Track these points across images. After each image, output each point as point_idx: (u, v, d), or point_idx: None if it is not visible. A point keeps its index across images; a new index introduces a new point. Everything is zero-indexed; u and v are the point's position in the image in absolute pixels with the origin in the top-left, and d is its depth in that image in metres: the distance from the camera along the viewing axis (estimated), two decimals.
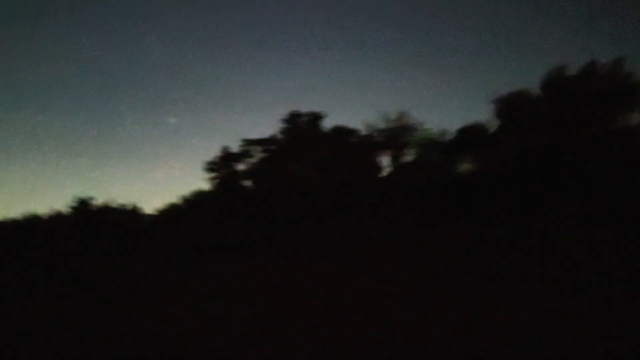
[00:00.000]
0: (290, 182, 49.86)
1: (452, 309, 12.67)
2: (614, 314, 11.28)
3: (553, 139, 38.57)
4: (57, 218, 66.48)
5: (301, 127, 52.64)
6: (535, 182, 35.62)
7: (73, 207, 63.15)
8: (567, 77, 42.53)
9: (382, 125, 47.79)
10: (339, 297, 15.97)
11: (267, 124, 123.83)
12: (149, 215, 66.11)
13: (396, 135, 47.52)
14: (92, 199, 62.81)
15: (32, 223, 67.78)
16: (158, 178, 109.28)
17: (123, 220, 62.31)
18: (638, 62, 66.11)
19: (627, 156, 32.86)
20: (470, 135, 44.87)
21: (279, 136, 53.35)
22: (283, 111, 62.87)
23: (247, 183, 55.64)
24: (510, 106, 43.62)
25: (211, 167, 55.99)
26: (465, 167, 45.42)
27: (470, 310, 12.33)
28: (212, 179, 56.14)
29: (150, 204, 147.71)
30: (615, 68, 40.50)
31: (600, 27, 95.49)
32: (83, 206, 62.16)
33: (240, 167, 55.70)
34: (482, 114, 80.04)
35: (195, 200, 59.52)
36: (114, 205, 63.21)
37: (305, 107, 62.23)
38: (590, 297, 13.42)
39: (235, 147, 55.36)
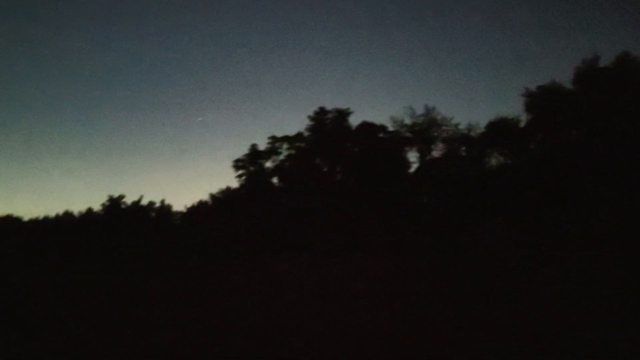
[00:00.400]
0: (318, 179, 49.99)
1: (488, 306, 12.65)
2: None
3: (586, 132, 37.85)
4: (89, 216, 68.09)
5: (328, 124, 52.74)
6: (568, 175, 35.00)
7: (105, 206, 64.55)
8: (600, 69, 41.70)
9: (409, 120, 47.61)
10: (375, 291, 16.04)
11: (294, 122, 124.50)
12: (179, 213, 67.14)
13: (424, 130, 47.22)
14: (123, 197, 64.07)
15: (66, 221, 69.56)
16: (187, 176, 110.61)
17: (153, 217, 63.49)
18: None
19: None
20: (500, 129, 44.32)
21: (306, 133, 53.57)
22: (310, 108, 62.94)
23: (275, 180, 56.04)
24: (541, 100, 42.99)
25: (239, 164, 56.50)
26: (495, 161, 44.92)
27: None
28: (240, 176, 56.65)
29: (180, 201, 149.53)
30: None
31: (633, 16, 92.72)
32: (114, 204, 63.47)
33: (268, 164, 56.12)
34: (512, 108, 78.97)
35: (224, 198, 60.19)
36: (145, 203, 64.36)
37: (332, 104, 62.27)
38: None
39: (262, 144, 55.81)
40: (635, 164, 32.31)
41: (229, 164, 57.26)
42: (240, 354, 8.73)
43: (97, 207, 66.78)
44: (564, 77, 42.95)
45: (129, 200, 63.71)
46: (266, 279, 21.51)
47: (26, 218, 73.41)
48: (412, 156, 48.30)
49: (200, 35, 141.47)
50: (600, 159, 35.02)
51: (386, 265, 24.58)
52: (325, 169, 52.93)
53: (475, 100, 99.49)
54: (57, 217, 72.11)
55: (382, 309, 11.97)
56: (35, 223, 72.28)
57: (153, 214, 64.99)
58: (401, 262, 25.41)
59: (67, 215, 71.35)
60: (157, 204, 65.79)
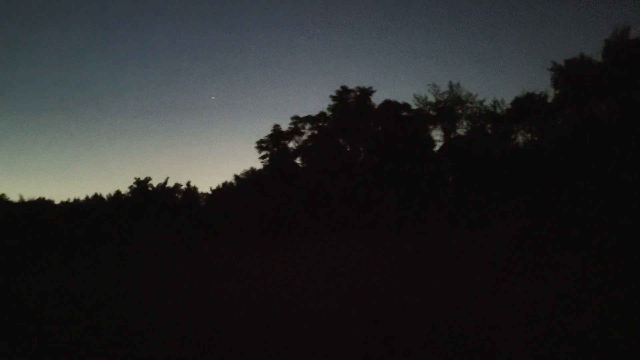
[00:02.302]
0: (341, 159, 49.97)
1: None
2: None
3: (617, 106, 36.89)
4: (117, 199, 69.45)
5: (351, 103, 52.45)
6: (598, 152, 34.28)
7: (132, 188, 65.74)
8: (631, 41, 40.37)
9: (433, 98, 47.03)
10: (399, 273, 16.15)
11: (316, 101, 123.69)
12: (205, 194, 68.07)
13: (448, 108, 46.60)
14: (149, 179, 65.05)
15: (96, 204, 71.12)
16: (212, 158, 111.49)
17: (180, 199, 64.53)
18: None
19: None
20: (526, 105, 43.49)
21: (329, 113, 53.38)
22: (332, 88, 62.63)
23: (298, 160, 56.21)
24: (569, 74, 41.93)
25: (262, 145, 56.75)
26: (522, 138, 44.22)
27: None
28: (264, 157, 56.97)
29: (205, 183, 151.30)
30: None
31: None
32: (141, 187, 64.55)
33: (291, 145, 56.25)
34: (539, 83, 77.10)
35: (248, 179, 60.68)
36: (171, 185, 65.32)
37: (354, 83, 61.69)
38: None
39: (285, 125, 55.89)
40: None
41: (252, 145, 57.55)
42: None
43: (124, 190, 68.11)
44: (593, 50, 41.51)
45: (155, 182, 64.80)
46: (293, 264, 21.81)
47: (57, 201, 75.28)
48: (437, 134, 47.93)
49: (219, 16, 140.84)
50: (631, 134, 34.20)
51: (413, 245, 24.68)
52: (348, 149, 52.86)
53: (501, 75, 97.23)
54: (87, 199, 73.80)
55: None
56: (66, 206, 74.17)
57: (179, 196, 66.04)
58: (425, 242, 25.47)
59: (97, 198, 72.92)
60: (183, 186, 66.85)
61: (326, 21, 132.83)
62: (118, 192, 70.20)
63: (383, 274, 15.59)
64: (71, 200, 76.60)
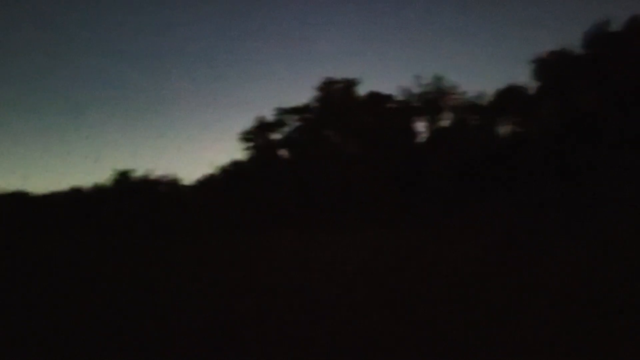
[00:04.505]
0: (327, 150, 50.14)
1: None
2: None
3: (598, 97, 37.75)
4: (99, 190, 68.49)
5: (336, 95, 52.52)
6: (580, 141, 35.11)
7: (113, 180, 64.89)
8: (610, 34, 41.23)
9: (417, 90, 47.45)
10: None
11: (301, 93, 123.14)
12: (189, 186, 67.43)
13: (432, 99, 47.11)
14: (131, 171, 64.29)
15: (75, 196, 70.04)
16: (195, 149, 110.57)
17: (163, 191, 63.92)
18: None
19: None
20: (509, 97, 44.21)
21: (314, 104, 53.37)
22: (317, 79, 62.52)
23: (283, 152, 56.15)
24: (550, 66, 42.69)
25: (246, 137, 56.54)
26: (504, 130, 44.97)
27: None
28: (248, 148, 56.78)
29: (190, 175, 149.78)
30: None
31: None
32: (124, 178, 63.79)
33: (276, 136, 56.12)
34: (521, 75, 78.23)
35: (232, 170, 60.36)
36: (154, 176, 64.62)
37: (339, 74, 61.74)
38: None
39: (270, 116, 55.71)
40: None
41: (236, 136, 57.32)
42: None
43: (105, 182, 67.18)
44: (574, 42, 42.34)
45: (137, 174, 64.04)
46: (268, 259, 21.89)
47: (35, 194, 73.89)
48: (421, 126, 48.47)
49: (201, 4, 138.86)
50: (612, 125, 35.10)
51: (401, 240, 25.01)
52: (333, 140, 53.00)
53: (484, 68, 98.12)
54: (65, 192, 72.57)
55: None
56: (43, 198, 72.88)
57: (162, 188, 65.40)
58: (414, 235, 25.85)
59: (75, 190, 71.73)
60: (167, 178, 66.14)
61: (311, 12, 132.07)
62: (97, 184, 69.25)
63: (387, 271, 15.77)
64: (50, 192, 75.28)
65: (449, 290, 11.35)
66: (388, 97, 49.84)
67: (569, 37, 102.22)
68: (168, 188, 64.43)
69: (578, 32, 56.08)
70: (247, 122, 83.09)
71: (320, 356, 7.15)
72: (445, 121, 47.14)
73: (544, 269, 13.19)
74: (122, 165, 74.71)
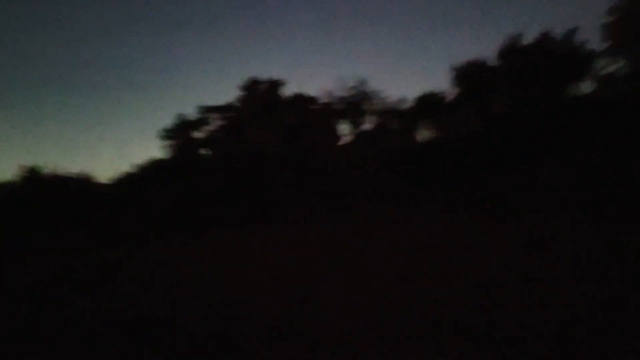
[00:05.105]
0: (250, 150, 49.28)
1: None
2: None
3: (510, 105, 39.56)
4: (4, 187, 63.56)
5: (260, 95, 51.82)
6: (494, 147, 36.54)
7: (19, 176, 60.45)
8: (522, 47, 43.48)
9: (341, 93, 47.74)
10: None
11: (225, 92, 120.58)
12: (103, 185, 63.98)
13: (355, 103, 47.55)
14: (39, 167, 60.16)
15: None
16: (111, 146, 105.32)
17: (74, 188, 60.20)
18: (590, 31, 68.27)
19: (578, 122, 34.08)
20: (428, 103, 45.46)
21: (238, 103, 52.38)
22: (242, 78, 61.68)
23: (205, 151, 54.62)
24: (467, 74, 44.36)
25: (167, 134, 54.60)
26: (424, 134, 46.14)
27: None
28: (168, 146, 54.84)
29: (104, 172, 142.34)
30: (568, 38, 41.73)
31: None
32: (31, 175, 59.53)
33: (197, 135, 54.54)
34: (442, 81, 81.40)
35: (150, 169, 57.94)
36: (65, 174, 60.72)
37: (264, 75, 61.16)
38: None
39: (192, 114, 54.14)
40: (552, 136, 34.20)
41: (155, 134, 55.25)
42: None
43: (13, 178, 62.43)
44: (490, 53, 44.41)
45: (46, 170, 59.94)
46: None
47: None
48: (344, 128, 48.76)
49: (120, 5, 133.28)
50: (522, 131, 36.81)
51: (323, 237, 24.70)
52: (257, 141, 52.20)
53: (406, 73, 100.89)
54: None
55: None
56: None
57: (73, 185, 61.61)
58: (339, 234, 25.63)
59: None
60: (78, 175, 62.36)
61: (237, 10, 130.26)
62: (4, 181, 64.26)
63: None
64: None
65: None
66: (312, 99, 49.79)
67: (486, 47, 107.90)
68: (80, 185, 60.78)
69: (494, 43, 59.27)
70: (168, 120, 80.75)
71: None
72: (368, 124, 47.69)
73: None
74: (32, 162, 69.49)
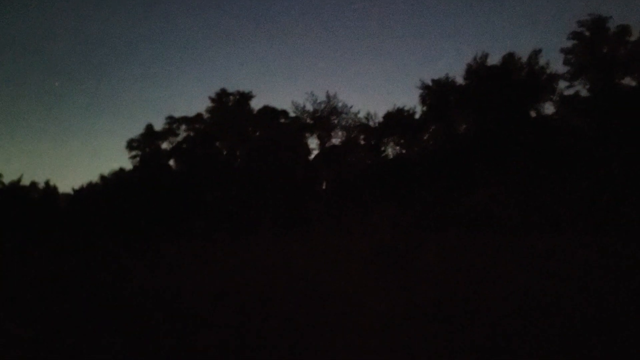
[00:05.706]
0: (217, 162, 48.89)
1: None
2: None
3: (475, 124, 40.34)
4: None
5: (229, 107, 51.60)
6: (458, 165, 37.13)
7: None
8: (488, 67, 44.47)
9: (310, 107, 47.84)
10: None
11: (193, 102, 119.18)
12: (65, 195, 62.36)
13: (324, 117, 47.69)
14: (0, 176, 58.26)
15: None
16: (75, 157, 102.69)
17: (36, 199, 58.51)
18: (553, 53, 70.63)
19: (542, 142, 35.02)
20: (396, 120, 45.95)
21: (206, 115, 52.07)
22: (210, 90, 61.40)
23: (172, 162, 53.91)
24: (435, 93, 45.08)
25: (133, 144, 53.81)
26: (391, 150, 46.57)
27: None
28: (134, 157, 53.99)
29: (67, 183, 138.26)
30: (532, 60, 42.93)
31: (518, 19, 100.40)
32: None
33: (165, 145, 53.90)
34: (410, 99, 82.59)
35: (116, 179, 56.81)
36: (25, 183, 59.03)
37: (234, 87, 61.05)
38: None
39: (159, 125, 53.56)
40: (515, 156, 35.00)
41: (122, 144, 54.37)
42: None
43: None
44: (457, 72, 45.25)
45: (6, 180, 58.13)
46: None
47: None
48: (313, 142, 48.82)
49: (97, 14, 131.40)
50: (486, 150, 37.57)
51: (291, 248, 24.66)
52: (225, 152, 51.85)
53: (375, 89, 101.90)
54: None
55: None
56: None
57: (36, 195, 59.88)
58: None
59: None
60: (41, 185, 60.70)
61: (206, 22, 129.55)
62: None
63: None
64: None
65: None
66: (282, 113, 49.80)
67: (454, 66, 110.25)
68: (41, 195, 59.13)
69: (462, 63, 60.42)
70: (135, 129, 79.52)
71: None
72: (336, 139, 47.91)
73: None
74: None
